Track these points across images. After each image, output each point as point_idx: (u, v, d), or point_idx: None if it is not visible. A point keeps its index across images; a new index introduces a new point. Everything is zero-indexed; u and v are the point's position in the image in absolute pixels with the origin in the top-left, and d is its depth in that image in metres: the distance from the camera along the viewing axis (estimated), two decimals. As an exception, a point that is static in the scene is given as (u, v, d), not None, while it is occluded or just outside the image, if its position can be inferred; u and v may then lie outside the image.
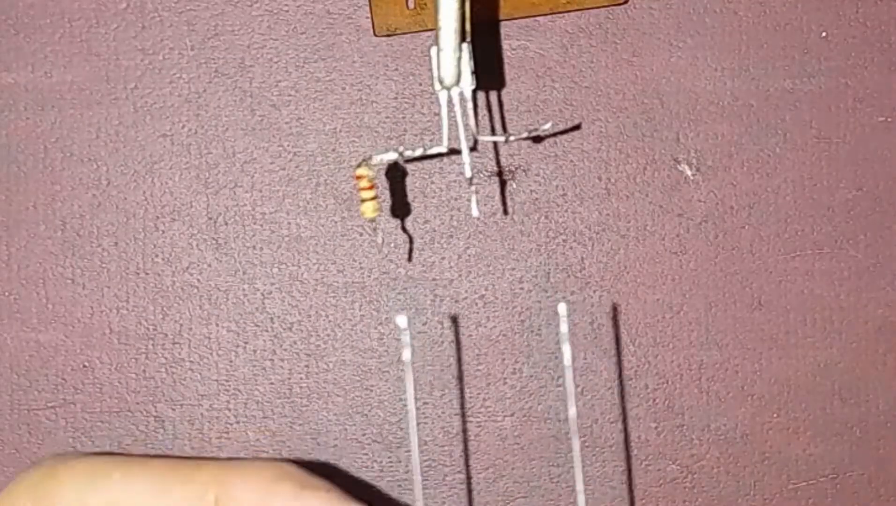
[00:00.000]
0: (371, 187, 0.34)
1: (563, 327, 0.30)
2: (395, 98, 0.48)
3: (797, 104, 0.49)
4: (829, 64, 0.49)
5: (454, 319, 0.49)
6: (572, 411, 0.31)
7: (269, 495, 0.33)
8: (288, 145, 0.48)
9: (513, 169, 0.49)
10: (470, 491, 0.49)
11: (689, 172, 0.49)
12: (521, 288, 0.49)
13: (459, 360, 0.49)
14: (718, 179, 0.49)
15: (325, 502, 0.33)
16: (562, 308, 0.30)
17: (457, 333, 0.49)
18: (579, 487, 0.31)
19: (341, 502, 0.33)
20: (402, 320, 0.31)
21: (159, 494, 0.34)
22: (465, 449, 0.49)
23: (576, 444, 0.31)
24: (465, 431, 0.49)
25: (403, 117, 0.48)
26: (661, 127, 0.49)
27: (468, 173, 0.34)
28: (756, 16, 0.49)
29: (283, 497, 0.33)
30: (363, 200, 0.34)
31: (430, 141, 0.48)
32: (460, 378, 0.49)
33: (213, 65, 0.48)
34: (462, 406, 0.49)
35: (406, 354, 0.30)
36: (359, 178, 0.34)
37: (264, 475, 0.34)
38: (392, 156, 0.34)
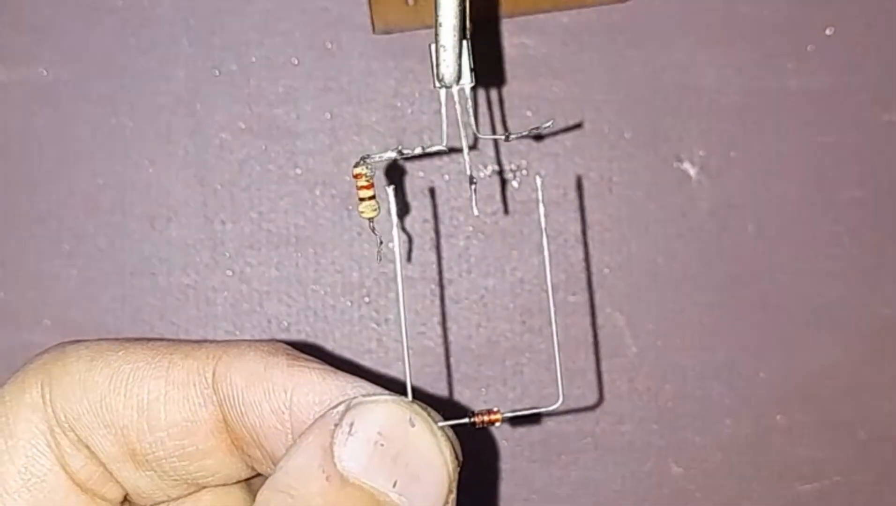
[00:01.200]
0: (369, 186, 0.33)
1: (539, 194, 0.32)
2: (394, 96, 0.48)
3: (802, 102, 0.48)
4: (834, 61, 0.48)
5: (454, 319, 0.48)
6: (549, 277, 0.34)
7: (265, 367, 0.34)
8: (286, 144, 0.48)
9: (520, 168, 0.48)
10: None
11: (691, 171, 0.48)
12: (522, 288, 0.48)
13: (459, 360, 0.49)
14: (721, 177, 0.48)
15: (318, 372, 0.34)
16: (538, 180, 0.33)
17: (457, 334, 0.48)
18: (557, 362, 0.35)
19: (333, 372, 0.34)
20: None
21: (161, 368, 0.35)
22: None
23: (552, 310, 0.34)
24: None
25: (402, 115, 0.48)
26: (663, 125, 0.48)
27: (468, 172, 0.34)
28: (759, 13, 0.48)
29: (278, 368, 0.34)
30: (361, 200, 0.34)
31: (429, 139, 0.48)
32: (460, 379, 0.49)
33: (210, 63, 0.48)
34: (462, 407, 0.49)
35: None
36: (357, 176, 0.33)
37: (259, 350, 0.35)
38: (391, 154, 0.33)
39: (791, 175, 0.49)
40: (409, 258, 0.48)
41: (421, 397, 0.33)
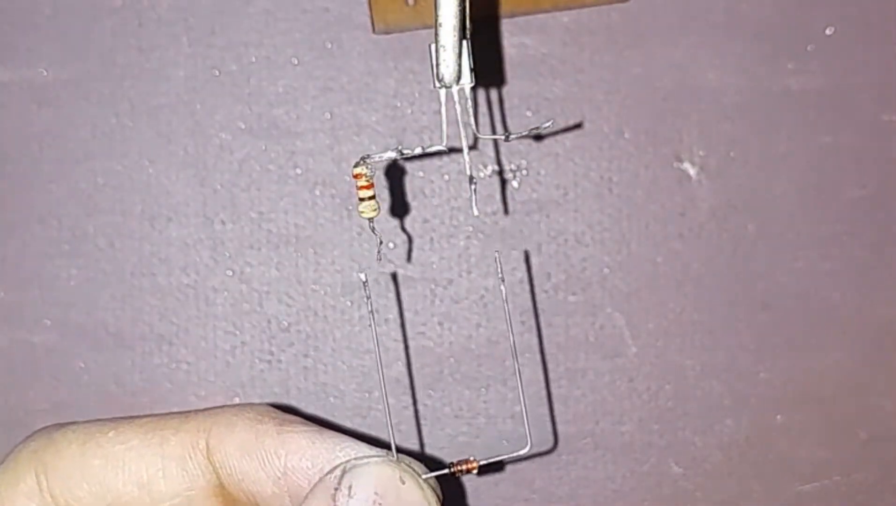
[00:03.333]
0: (369, 186, 0.33)
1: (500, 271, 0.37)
2: (394, 96, 0.48)
3: (802, 102, 0.48)
4: (834, 61, 0.48)
5: (454, 319, 0.48)
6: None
7: (256, 436, 0.37)
8: (286, 144, 0.48)
9: (519, 168, 0.48)
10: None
11: (691, 171, 0.48)
12: (522, 288, 0.48)
13: (459, 360, 0.49)
14: (721, 178, 0.48)
15: (307, 436, 0.37)
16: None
17: (457, 334, 0.48)
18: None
19: (319, 431, 0.37)
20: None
21: (155, 445, 0.37)
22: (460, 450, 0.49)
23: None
24: (464, 432, 0.49)
25: (402, 115, 0.48)
26: (663, 125, 0.48)
27: (468, 172, 0.34)
28: (759, 13, 0.48)
29: (269, 436, 0.37)
30: (361, 200, 0.34)
31: (429, 139, 0.48)
32: (460, 379, 0.49)
33: (210, 63, 0.48)
34: (462, 408, 0.49)
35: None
36: (357, 176, 0.33)
37: (247, 417, 0.37)
38: (391, 154, 0.34)
39: (791, 175, 0.49)
40: (408, 258, 0.48)
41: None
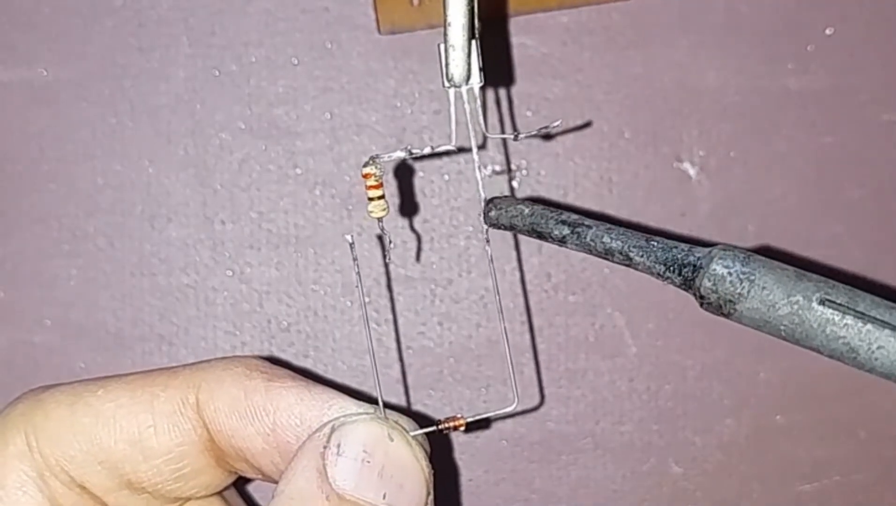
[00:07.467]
0: (378, 186, 0.33)
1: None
2: (394, 96, 0.48)
3: (802, 102, 0.48)
4: (834, 61, 0.48)
5: (454, 319, 0.48)
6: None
7: (245, 393, 0.37)
8: (286, 144, 0.48)
9: (519, 167, 0.48)
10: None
11: (691, 171, 0.48)
12: (522, 288, 0.48)
13: (459, 360, 0.48)
14: (721, 177, 0.48)
15: (295, 392, 0.37)
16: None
17: (457, 334, 0.48)
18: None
19: (307, 387, 0.37)
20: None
21: (145, 402, 0.37)
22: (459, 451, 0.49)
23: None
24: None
25: (402, 115, 0.48)
26: (663, 125, 0.48)
27: (477, 171, 0.34)
28: (759, 13, 0.48)
29: (258, 393, 0.37)
30: (370, 200, 0.34)
31: (429, 139, 0.48)
32: (460, 379, 0.49)
33: (210, 63, 0.48)
34: (462, 408, 0.49)
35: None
36: (366, 176, 0.33)
37: (236, 373, 0.37)
38: (400, 154, 0.34)
39: (791, 175, 0.49)
40: (417, 258, 0.48)
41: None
